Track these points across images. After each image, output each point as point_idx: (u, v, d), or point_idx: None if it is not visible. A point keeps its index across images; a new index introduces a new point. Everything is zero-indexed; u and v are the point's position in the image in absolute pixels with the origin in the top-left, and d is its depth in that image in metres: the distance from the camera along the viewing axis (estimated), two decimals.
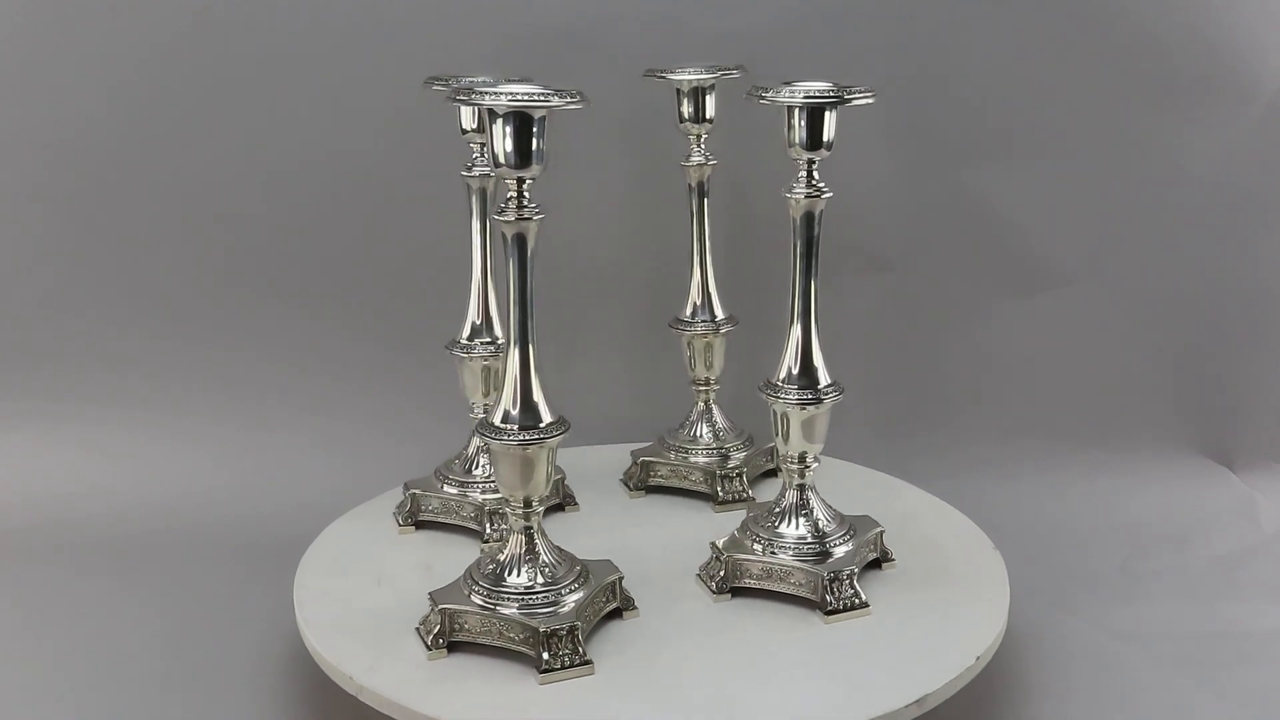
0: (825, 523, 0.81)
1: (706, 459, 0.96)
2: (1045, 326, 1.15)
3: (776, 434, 0.81)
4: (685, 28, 1.09)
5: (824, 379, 0.80)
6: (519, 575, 0.74)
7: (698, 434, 0.98)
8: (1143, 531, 1.07)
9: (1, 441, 1.16)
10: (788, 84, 0.77)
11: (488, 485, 0.89)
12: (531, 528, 0.75)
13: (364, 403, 1.16)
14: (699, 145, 0.95)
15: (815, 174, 0.78)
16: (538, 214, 0.70)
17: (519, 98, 0.67)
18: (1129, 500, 1.11)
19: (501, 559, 0.75)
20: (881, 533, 0.84)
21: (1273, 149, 1.10)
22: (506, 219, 0.69)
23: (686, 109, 0.94)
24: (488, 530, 0.88)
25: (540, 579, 0.74)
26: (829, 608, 0.78)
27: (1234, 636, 0.91)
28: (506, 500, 0.75)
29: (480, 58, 1.04)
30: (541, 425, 0.72)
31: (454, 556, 0.84)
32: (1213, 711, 0.82)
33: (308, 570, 0.85)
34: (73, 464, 1.14)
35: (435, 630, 0.73)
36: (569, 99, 0.67)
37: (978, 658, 0.74)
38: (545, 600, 0.73)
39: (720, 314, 0.97)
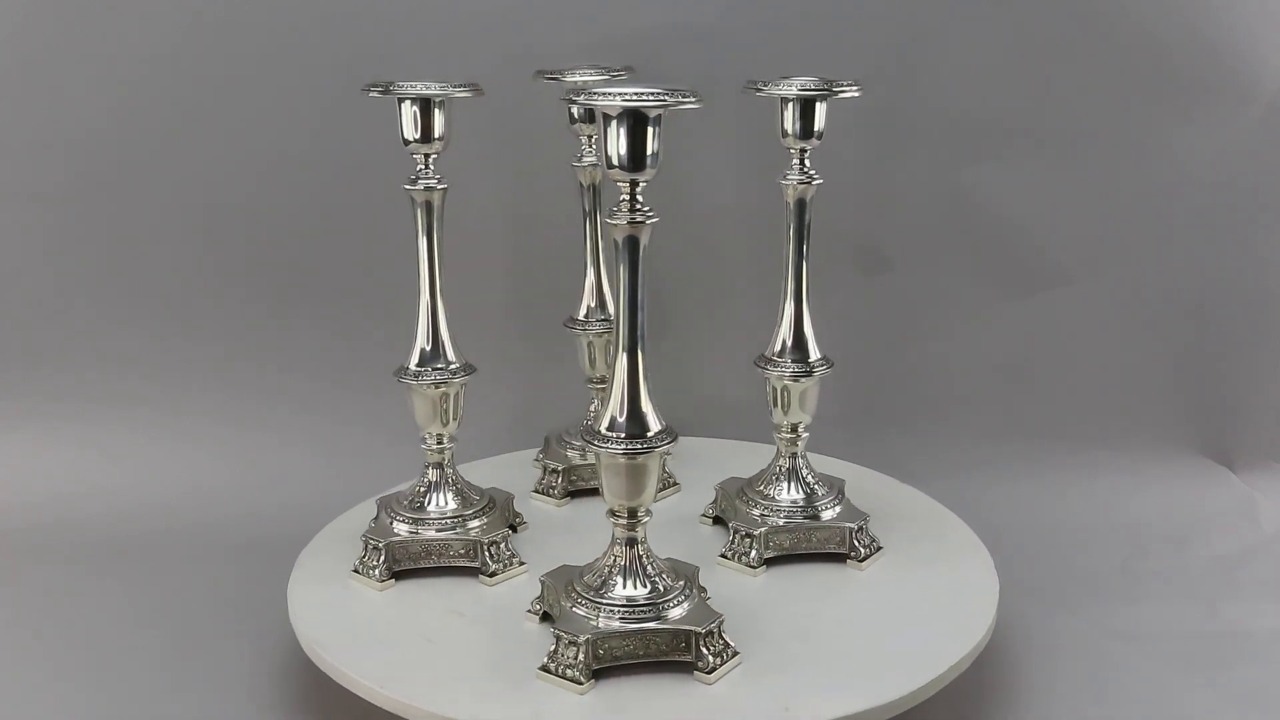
0: (818, 483, 0.89)
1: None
2: (1045, 326, 1.15)
3: (774, 405, 0.87)
4: (677, 23, 1.10)
5: (814, 353, 0.87)
6: (640, 586, 0.73)
7: None
8: (1143, 531, 1.07)
9: (1, 441, 1.16)
10: (784, 79, 0.83)
11: (443, 522, 0.84)
12: (637, 538, 0.74)
13: (363, 403, 1.16)
14: (590, 146, 0.95)
15: (807, 162, 0.84)
16: (651, 217, 0.69)
17: (634, 98, 0.65)
18: (1129, 500, 1.11)
19: (602, 574, 0.74)
20: (844, 484, 0.91)
21: (1273, 149, 1.10)
22: (618, 222, 0.68)
23: (578, 110, 0.93)
24: (491, 565, 0.83)
25: (662, 583, 0.73)
26: (863, 556, 0.86)
27: (1234, 636, 0.91)
28: (611, 510, 0.73)
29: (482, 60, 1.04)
30: (650, 434, 0.71)
31: (461, 597, 0.81)
32: (1213, 711, 0.82)
33: (335, 642, 0.76)
34: (73, 464, 1.14)
35: (579, 663, 0.70)
36: (685, 98, 0.66)
37: (996, 570, 0.85)
38: (674, 602, 0.73)
39: (614, 313, 0.98)
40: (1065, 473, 1.14)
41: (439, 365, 0.84)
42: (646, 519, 0.74)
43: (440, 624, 0.78)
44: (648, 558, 0.74)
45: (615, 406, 0.71)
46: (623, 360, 0.71)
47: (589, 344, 0.98)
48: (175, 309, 1.16)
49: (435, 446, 0.86)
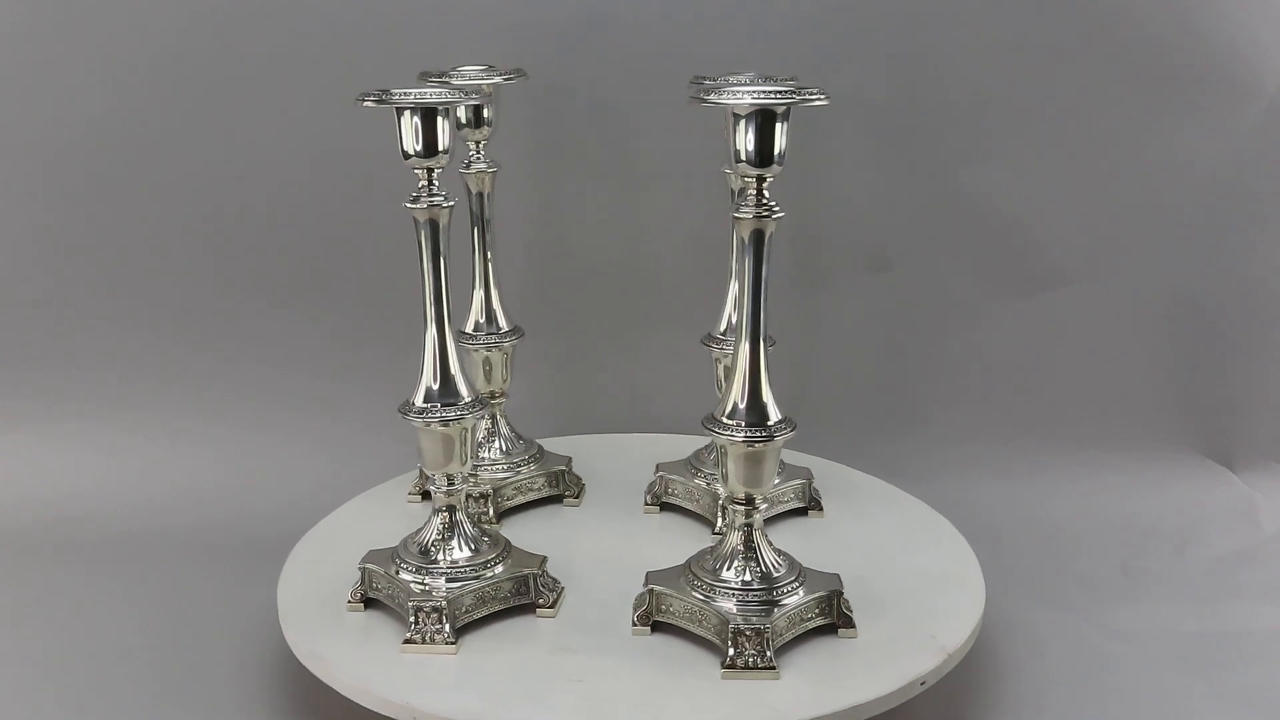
0: None
1: (504, 473, 0.94)
2: (1045, 326, 1.15)
3: (724, 380, 0.88)
4: (681, 25, 1.10)
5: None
6: (759, 568, 0.75)
7: (491, 449, 0.95)
8: (1143, 531, 1.07)
9: (1, 441, 1.16)
10: (730, 75, 0.86)
11: (475, 567, 0.77)
12: (751, 525, 0.75)
13: (363, 403, 1.16)
14: (479, 151, 0.91)
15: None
16: (777, 212, 0.69)
17: (763, 96, 0.66)
18: (1129, 500, 1.11)
19: (724, 561, 0.75)
20: None
21: (1273, 148, 1.10)
22: (744, 216, 0.69)
23: (465, 114, 0.90)
24: (550, 595, 0.79)
25: (779, 564, 0.76)
26: (820, 505, 0.94)
27: (1234, 636, 0.91)
28: (730, 496, 0.75)
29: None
30: (770, 423, 0.72)
31: (534, 633, 0.77)
32: (1212, 711, 0.82)
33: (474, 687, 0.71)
34: (73, 464, 1.14)
35: (766, 653, 0.71)
36: (812, 95, 0.67)
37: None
38: (798, 574, 0.76)
39: (505, 326, 0.95)
40: (1064, 472, 1.14)
41: (449, 401, 0.76)
42: (764, 505, 0.75)
43: (563, 663, 0.73)
44: (766, 541, 0.76)
45: (737, 394, 0.73)
46: (744, 349, 0.72)
47: (485, 359, 0.94)
48: (175, 309, 1.16)
49: (446, 488, 0.79)
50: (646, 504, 0.95)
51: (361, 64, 1.08)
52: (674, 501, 0.94)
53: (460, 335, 0.93)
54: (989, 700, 0.83)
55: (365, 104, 0.72)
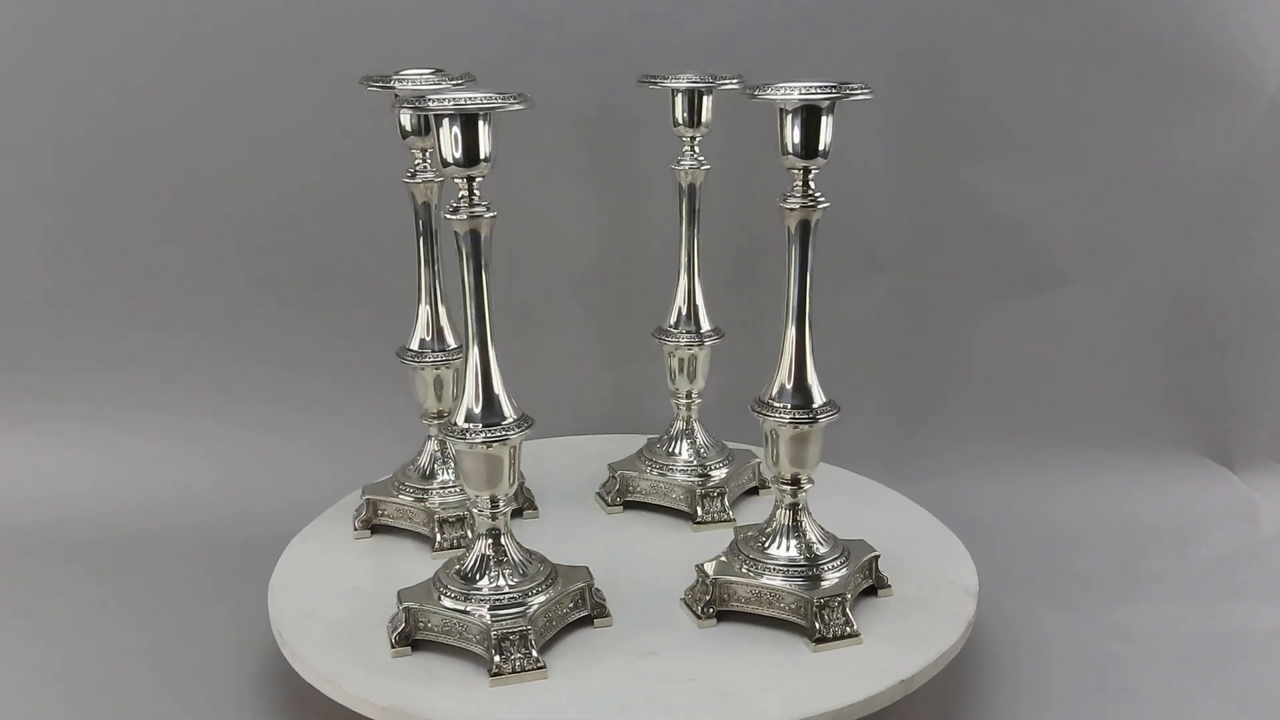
0: (711, 445, 0.95)
1: (463, 494, 0.90)
2: (1045, 326, 1.15)
3: (678, 373, 0.93)
4: (683, 28, 1.10)
5: (706, 324, 0.93)
6: (806, 549, 0.77)
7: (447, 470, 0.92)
8: (1143, 531, 1.07)
9: (1, 441, 1.16)
10: (680, 73, 0.89)
11: (518, 596, 0.74)
12: (798, 504, 0.77)
13: (364, 402, 1.17)
14: (425, 160, 0.86)
15: (697, 149, 0.90)
16: (822, 202, 0.71)
17: (809, 92, 0.69)
18: (1129, 500, 1.11)
19: (773, 540, 0.77)
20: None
21: (1273, 149, 1.10)
22: (791, 206, 0.72)
23: (411, 123, 0.84)
24: (605, 607, 0.78)
25: (824, 538, 0.78)
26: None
27: (1234, 636, 0.91)
28: (775, 478, 0.77)
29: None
30: (814, 406, 0.75)
31: (607, 642, 0.76)
32: (1212, 711, 0.82)
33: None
34: (73, 464, 1.14)
35: (847, 621, 0.74)
36: (858, 91, 0.69)
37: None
38: (838, 545, 0.78)
39: (453, 342, 0.89)
40: (1064, 472, 1.14)
41: (493, 421, 0.72)
42: (809, 485, 0.77)
43: (658, 666, 0.73)
44: (809, 517, 0.78)
45: (784, 377, 0.76)
46: (791, 332, 0.75)
47: (436, 378, 0.89)
48: (175, 309, 1.16)
49: (490, 511, 0.75)
50: (609, 504, 0.94)
51: (360, 63, 1.08)
52: (637, 499, 0.94)
53: (405, 353, 0.89)
54: (989, 700, 0.83)
55: (401, 111, 0.68)
